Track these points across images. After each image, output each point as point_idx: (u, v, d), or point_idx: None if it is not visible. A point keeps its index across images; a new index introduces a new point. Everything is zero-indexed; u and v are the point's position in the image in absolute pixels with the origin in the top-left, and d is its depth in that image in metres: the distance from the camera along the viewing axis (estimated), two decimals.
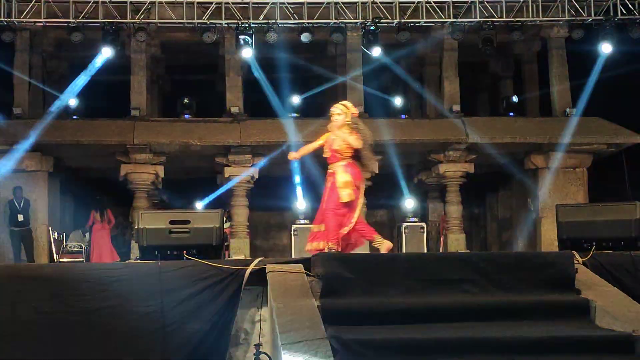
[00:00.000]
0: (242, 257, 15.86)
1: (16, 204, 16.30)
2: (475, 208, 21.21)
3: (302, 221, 17.89)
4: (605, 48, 16.93)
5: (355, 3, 17.00)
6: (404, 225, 18.26)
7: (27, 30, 17.20)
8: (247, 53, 16.94)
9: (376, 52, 17.21)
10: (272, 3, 16.78)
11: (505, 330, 7.38)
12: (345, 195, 9.64)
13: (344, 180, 9.70)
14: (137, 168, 17.33)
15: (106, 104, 18.55)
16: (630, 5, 16.78)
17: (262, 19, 16.80)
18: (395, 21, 16.97)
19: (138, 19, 16.65)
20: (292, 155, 10.51)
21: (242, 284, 8.51)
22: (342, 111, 9.89)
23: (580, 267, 8.69)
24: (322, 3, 16.95)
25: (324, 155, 9.98)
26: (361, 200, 9.93)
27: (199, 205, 17.47)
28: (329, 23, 17.09)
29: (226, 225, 16.53)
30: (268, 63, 18.70)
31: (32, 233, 16.49)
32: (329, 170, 9.93)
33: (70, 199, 19.86)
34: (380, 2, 16.94)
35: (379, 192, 19.12)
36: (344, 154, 9.79)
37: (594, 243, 9.73)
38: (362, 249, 17.16)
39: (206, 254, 9.25)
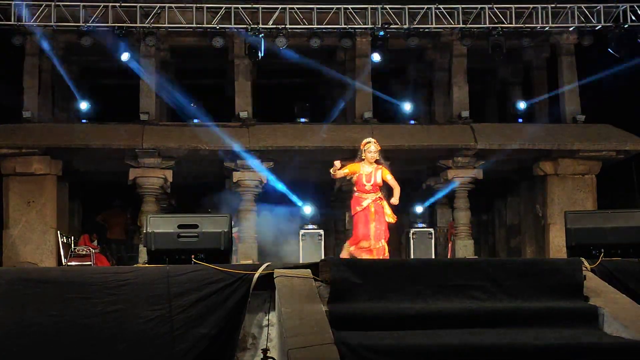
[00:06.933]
0: (250, 261, 15.86)
1: None
2: (483, 214, 21.18)
3: (310, 226, 17.89)
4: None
5: (364, 8, 16.99)
6: (412, 231, 18.25)
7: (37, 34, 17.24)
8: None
9: (376, 57, 17.26)
10: (282, 8, 16.79)
11: (513, 336, 7.37)
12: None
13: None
14: (145, 172, 17.34)
15: (115, 108, 18.60)
16: None
17: (272, 24, 16.81)
18: (405, 27, 16.96)
19: (148, 23, 16.68)
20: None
21: (250, 288, 8.51)
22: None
23: (589, 274, 8.68)
24: (332, 8, 16.95)
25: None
26: None
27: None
28: (338, 28, 17.11)
29: (234, 229, 16.56)
30: (277, 68, 18.73)
31: None
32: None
33: (79, 202, 19.90)
34: (390, 8, 16.93)
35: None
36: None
37: (603, 250, 9.71)
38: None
39: (214, 259, 9.26)
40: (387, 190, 11.88)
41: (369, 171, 11.48)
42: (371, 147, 11.52)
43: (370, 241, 11.34)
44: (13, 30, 16.41)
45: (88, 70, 20.23)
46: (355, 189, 11.59)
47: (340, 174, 11.50)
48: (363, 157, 11.57)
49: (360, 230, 11.45)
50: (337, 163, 11.40)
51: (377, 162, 11.61)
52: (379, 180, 11.50)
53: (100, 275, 8.73)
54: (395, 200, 11.60)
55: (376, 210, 11.46)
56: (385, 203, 11.59)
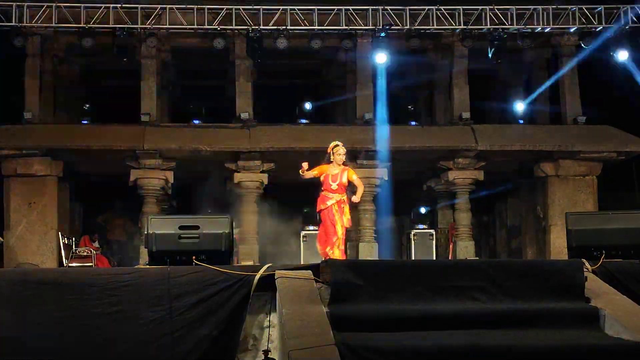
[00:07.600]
0: (250, 263, 15.85)
1: None
2: (484, 215, 21.16)
3: (311, 227, 17.87)
4: (622, 55, 16.91)
5: (365, 10, 16.98)
6: (413, 232, 18.23)
7: (38, 35, 17.21)
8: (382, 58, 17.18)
9: (381, 58, 17.20)
10: (283, 9, 16.79)
11: (514, 338, 7.37)
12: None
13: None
14: (146, 173, 17.33)
15: (116, 109, 18.59)
16: None
17: (273, 25, 16.82)
18: (406, 28, 16.96)
19: (149, 24, 16.68)
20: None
21: (251, 289, 8.52)
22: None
23: (590, 275, 8.69)
24: (333, 10, 16.95)
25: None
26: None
27: None
28: (339, 29, 17.11)
29: (235, 231, 16.54)
30: (278, 69, 18.72)
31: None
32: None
33: (80, 203, 19.89)
34: (391, 9, 16.93)
35: (388, 199, 19.12)
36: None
37: (604, 251, 9.71)
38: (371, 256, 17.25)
39: (215, 260, 9.26)
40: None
41: (335, 172, 11.81)
42: (340, 150, 11.87)
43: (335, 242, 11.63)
44: (14, 32, 16.41)
45: (89, 71, 20.22)
46: (322, 188, 11.90)
47: (309, 174, 11.84)
48: (331, 160, 11.89)
49: (325, 231, 11.79)
50: (305, 165, 11.77)
51: (344, 164, 11.95)
52: (345, 181, 11.82)
53: (101, 276, 8.74)
54: (356, 198, 11.92)
55: (337, 211, 11.75)
56: (347, 207, 11.88)
